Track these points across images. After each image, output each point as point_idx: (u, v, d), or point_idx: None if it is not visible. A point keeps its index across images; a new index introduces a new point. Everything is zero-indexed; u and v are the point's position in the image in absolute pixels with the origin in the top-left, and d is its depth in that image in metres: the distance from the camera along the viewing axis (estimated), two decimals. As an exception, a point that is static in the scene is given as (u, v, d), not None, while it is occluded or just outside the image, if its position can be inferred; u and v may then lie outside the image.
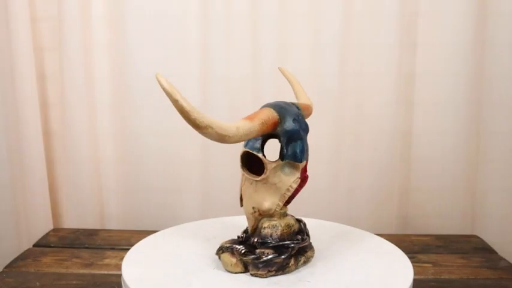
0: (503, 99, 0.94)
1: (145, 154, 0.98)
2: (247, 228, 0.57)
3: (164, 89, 0.44)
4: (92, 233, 0.94)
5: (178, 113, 0.46)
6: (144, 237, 0.65)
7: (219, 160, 0.97)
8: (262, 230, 0.54)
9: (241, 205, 0.57)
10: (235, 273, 0.54)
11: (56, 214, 1.03)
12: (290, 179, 0.54)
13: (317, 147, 0.96)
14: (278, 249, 0.54)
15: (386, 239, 0.65)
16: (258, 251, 0.54)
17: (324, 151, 0.96)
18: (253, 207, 0.55)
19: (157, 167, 0.99)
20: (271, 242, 0.54)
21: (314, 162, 0.96)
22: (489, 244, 0.90)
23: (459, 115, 0.95)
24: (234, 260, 0.54)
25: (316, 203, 0.97)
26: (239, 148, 0.56)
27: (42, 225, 0.96)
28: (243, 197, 0.56)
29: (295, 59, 0.94)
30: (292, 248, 0.54)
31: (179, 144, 0.98)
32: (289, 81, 0.66)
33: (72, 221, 1.01)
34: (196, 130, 0.48)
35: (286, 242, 0.54)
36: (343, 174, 0.98)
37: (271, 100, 0.57)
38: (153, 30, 0.94)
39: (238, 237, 0.57)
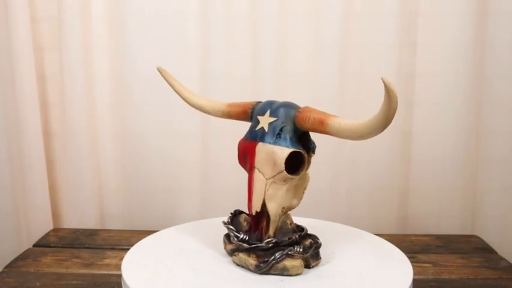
0: (503, 99, 0.94)
1: (145, 154, 0.98)
2: (243, 236, 0.55)
3: (391, 91, 0.45)
4: (92, 233, 0.94)
5: (387, 115, 0.47)
6: (144, 237, 0.65)
7: (219, 160, 0.97)
8: (289, 226, 0.55)
9: (255, 212, 0.54)
10: (298, 274, 0.53)
11: (56, 214, 1.03)
12: (307, 171, 0.56)
13: (317, 147, 0.96)
14: (309, 237, 0.57)
15: (386, 239, 0.65)
16: (306, 243, 0.55)
17: (324, 151, 0.96)
18: (283, 208, 0.54)
19: (157, 167, 0.99)
20: (301, 234, 0.56)
21: (314, 162, 0.96)
22: (489, 244, 0.90)
23: (459, 115, 0.95)
24: (301, 261, 0.54)
25: (315, 203, 0.97)
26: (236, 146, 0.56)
27: (42, 225, 0.96)
28: (268, 201, 0.54)
29: (295, 59, 0.94)
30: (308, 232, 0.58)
31: (179, 144, 0.98)
32: (171, 84, 0.66)
33: (72, 221, 1.01)
34: (380, 131, 0.50)
35: (305, 229, 0.58)
36: (343, 174, 0.98)
37: (272, 99, 0.57)
38: (153, 30, 0.94)
39: (254, 247, 0.54)
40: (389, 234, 0.94)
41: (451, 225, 0.98)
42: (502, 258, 0.83)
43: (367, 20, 0.93)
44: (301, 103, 0.59)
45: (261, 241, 0.54)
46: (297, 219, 0.64)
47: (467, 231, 0.98)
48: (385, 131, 1.02)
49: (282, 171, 0.52)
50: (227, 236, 0.58)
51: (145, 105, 0.96)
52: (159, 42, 0.94)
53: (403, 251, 0.61)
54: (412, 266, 0.56)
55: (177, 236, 0.65)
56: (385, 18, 0.92)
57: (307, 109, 0.54)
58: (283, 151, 0.52)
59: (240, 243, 0.55)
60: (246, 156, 0.55)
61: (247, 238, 0.55)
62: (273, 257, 0.53)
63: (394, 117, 1.05)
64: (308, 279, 0.53)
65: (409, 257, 0.59)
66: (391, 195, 0.98)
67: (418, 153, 0.98)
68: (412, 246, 0.88)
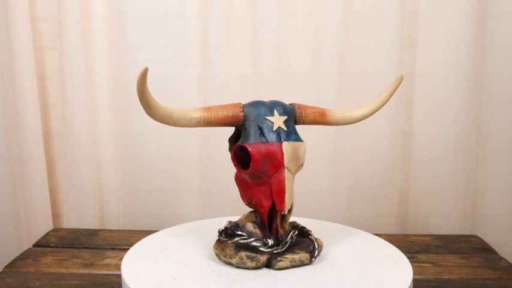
0: (503, 99, 0.94)
1: (145, 154, 0.98)
2: (270, 242, 0.55)
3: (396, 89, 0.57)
4: (92, 233, 0.94)
5: (384, 104, 0.64)
6: (144, 237, 0.65)
7: (219, 160, 0.97)
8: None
9: (287, 210, 0.54)
10: None
11: (56, 214, 1.03)
12: None
13: (317, 147, 0.96)
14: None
15: (386, 239, 0.65)
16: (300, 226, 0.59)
17: (324, 151, 0.96)
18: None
19: (157, 167, 0.99)
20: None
21: (314, 162, 0.96)
22: (489, 244, 0.90)
23: (459, 115, 0.95)
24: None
25: (315, 203, 0.97)
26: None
27: (42, 225, 0.96)
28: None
29: (295, 58, 0.94)
30: None
31: (179, 144, 0.98)
32: (143, 90, 0.55)
33: (72, 221, 1.01)
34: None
35: None
36: (343, 174, 0.98)
37: (271, 99, 0.57)
38: (153, 30, 0.94)
39: (289, 245, 0.56)
40: (389, 234, 0.94)
41: (451, 225, 0.98)
42: (502, 258, 0.83)
43: (367, 20, 0.93)
44: (300, 103, 0.59)
45: (277, 238, 0.55)
46: (297, 220, 0.64)
47: (467, 231, 0.98)
48: (385, 131, 1.03)
49: (302, 164, 0.56)
50: (251, 250, 0.55)
51: (145, 105, 0.96)
52: (159, 42, 0.94)
53: (403, 251, 0.61)
54: (412, 266, 0.56)
55: (177, 236, 0.65)
56: (385, 18, 0.92)
57: (302, 105, 0.58)
58: (303, 145, 0.56)
59: (274, 248, 0.55)
60: (268, 159, 0.54)
61: (273, 242, 0.55)
62: (316, 244, 0.57)
63: (394, 117, 1.07)
64: (309, 278, 0.53)
65: (409, 257, 0.59)
66: (391, 195, 0.98)
67: (418, 153, 0.98)
68: (412, 246, 0.88)
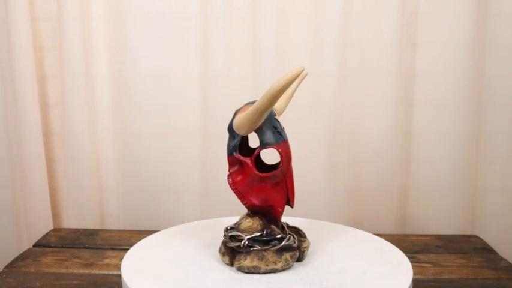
0: (503, 99, 0.94)
1: (145, 154, 0.98)
2: (293, 237, 0.56)
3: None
4: (92, 233, 0.94)
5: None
6: (144, 237, 0.65)
7: (219, 160, 0.97)
8: None
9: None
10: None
11: (56, 214, 1.03)
12: None
13: (316, 147, 0.96)
14: None
15: (386, 239, 0.65)
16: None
17: (324, 151, 0.96)
18: None
19: (157, 167, 0.99)
20: None
21: (313, 163, 0.96)
22: (489, 244, 0.90)
23: (459, 115, 0.95)
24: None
25: (315, 204, 0.97)
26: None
27: (42, 225, 0.96)
28: None
29: (295, 58, 0.94)
30: None
31: (179, 144, 0.98)
32: (284, 90, 0.48)
33: (72, 221, 1.01)
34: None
35: None
36: (343, 174, 0.98)
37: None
38: (153, 30, 0.94)
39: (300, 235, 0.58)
40: (389, 234, 0.94)
41: (451, 225, 0.98)
42: (502, 258, 0.83)
43: (367, 20, 0.93)
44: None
45: (283, 230, 0.57)
46: (297, 220, 0.64)
47: (467, 231, 0.98)
48: (386, 131, 1.03)
49: None
50: (288, 249, 0.54)
51: (145, 105, 0.96)
52: (159, 42, 0.94)
53: (403, 251, 0.61)
54: (412, 266, 0.56)
55: (177, 236, 0.65)
56: (385, 18, 0.92)
57: None
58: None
59: (299, 242, 0.57)
60: (288, 157, 0.54)
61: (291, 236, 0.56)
62: (300, 228, 0.60)
63: (394, 117, 1.06)
64: (308, 279, 0.53)
65: (409, 257, 0.59)
66: (391, 195, 0.98)
67: (418, 153, 0.98)
68: (412, 246, 0.88)
